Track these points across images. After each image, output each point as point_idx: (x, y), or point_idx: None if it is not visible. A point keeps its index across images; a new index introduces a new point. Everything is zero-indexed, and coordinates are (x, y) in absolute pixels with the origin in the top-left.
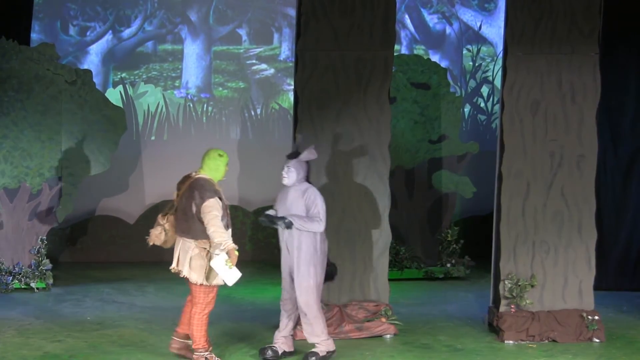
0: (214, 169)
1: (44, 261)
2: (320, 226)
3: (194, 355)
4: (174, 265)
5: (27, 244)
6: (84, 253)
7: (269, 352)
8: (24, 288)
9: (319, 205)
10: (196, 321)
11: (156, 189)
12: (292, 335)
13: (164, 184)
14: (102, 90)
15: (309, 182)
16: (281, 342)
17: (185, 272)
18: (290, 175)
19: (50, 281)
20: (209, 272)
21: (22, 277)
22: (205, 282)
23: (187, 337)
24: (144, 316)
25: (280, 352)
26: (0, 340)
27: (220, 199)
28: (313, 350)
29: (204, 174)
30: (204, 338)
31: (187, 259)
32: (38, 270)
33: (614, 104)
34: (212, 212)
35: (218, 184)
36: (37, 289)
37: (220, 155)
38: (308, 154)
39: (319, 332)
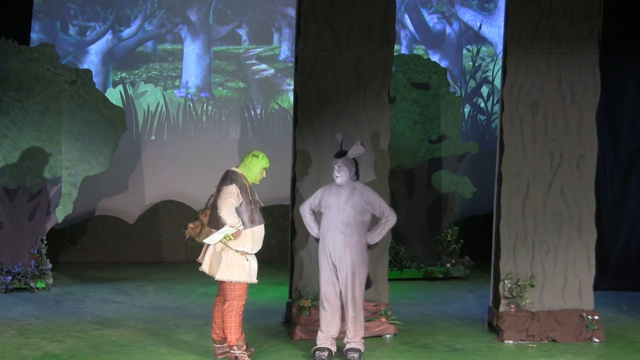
0: (247, 167)
1: (44, 261)
2: (393, 218)
3: (228, 354)
4: (200, 258)
5: (27, 244)
6: (83, 253)
7: (326, 354)
8: (24, 288)
9: (381, 201)
10: (227, 317)
11: (156, 189)
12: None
13: (164, 184)
14: (102, 90)
15: (357, 179)
16: (330, 343)
17: (205, 268)
18: (343, 174)
19: (50, 281)
20: (235, 268)
21: (22, 277)
22: (232, 279)
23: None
24: (143, 316)
25: (333, 353)
26: (0, 340)
27: (243, 191)
28: (354, 346)
29: (238, 168)
30: (236, 335)
31: (214, 255)
32: (38, 270)
33: (613, 104)
34: (228, 199)
35: (250, 184)
36: (37, 289)
37: (254, 156)
38: (356, 150)
39: (361, 328)
